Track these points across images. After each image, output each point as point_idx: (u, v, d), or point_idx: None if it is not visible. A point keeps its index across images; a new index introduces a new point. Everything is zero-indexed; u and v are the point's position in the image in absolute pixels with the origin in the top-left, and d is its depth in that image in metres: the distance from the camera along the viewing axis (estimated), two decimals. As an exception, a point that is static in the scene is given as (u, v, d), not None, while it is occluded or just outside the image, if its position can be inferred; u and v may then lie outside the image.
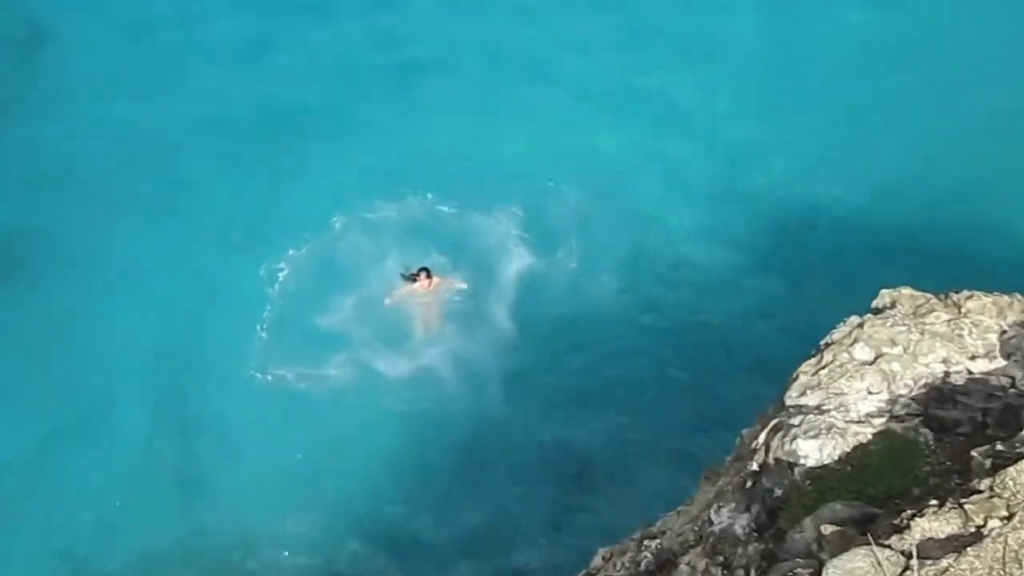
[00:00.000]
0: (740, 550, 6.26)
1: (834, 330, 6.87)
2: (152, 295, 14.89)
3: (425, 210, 15.83)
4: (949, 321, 6.73)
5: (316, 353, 14.17)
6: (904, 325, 6.72)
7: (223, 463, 13.32)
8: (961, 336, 6.61)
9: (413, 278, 14.50)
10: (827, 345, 6.78)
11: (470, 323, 14.71)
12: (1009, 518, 4.68)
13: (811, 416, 6.36)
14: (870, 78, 17.02)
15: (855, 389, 6.45)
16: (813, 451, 6.18)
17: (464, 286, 14.84)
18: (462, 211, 15.79)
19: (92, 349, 14.27)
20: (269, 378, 13.94)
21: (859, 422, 6.27)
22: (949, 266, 13.25)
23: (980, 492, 4.94)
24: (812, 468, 6.11)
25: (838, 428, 6.22)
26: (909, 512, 5.02)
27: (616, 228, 15.72)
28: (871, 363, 6.55)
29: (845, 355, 6.61)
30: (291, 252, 15.26)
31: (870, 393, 6.41)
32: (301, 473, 13.24)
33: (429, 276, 14.51)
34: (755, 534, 6.31)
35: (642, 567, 7.14)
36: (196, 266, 15.19)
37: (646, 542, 7.35)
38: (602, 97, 17.44)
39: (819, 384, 6.53)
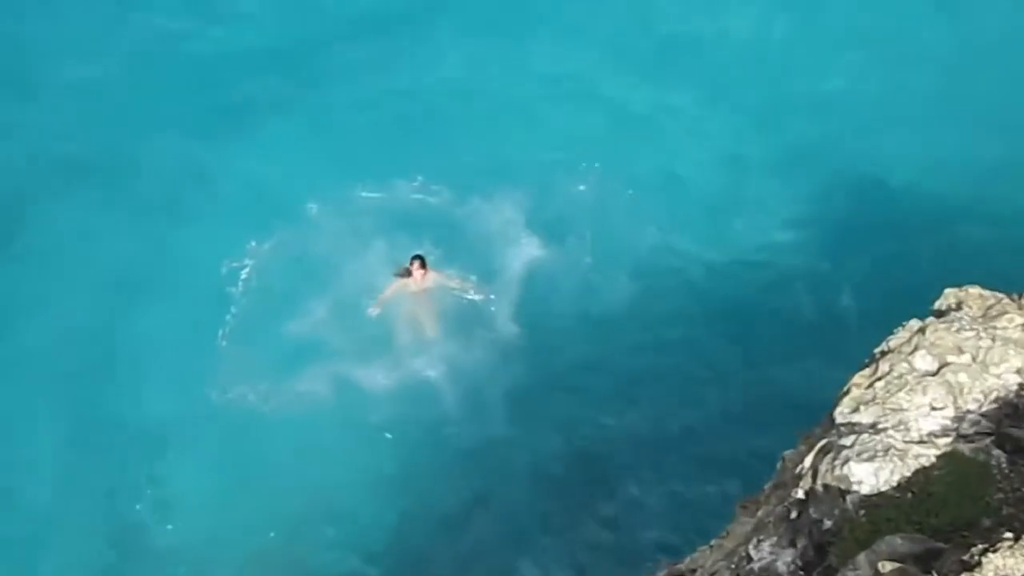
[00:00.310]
0: (784, 591, 6.26)
1: (891, 335, 6.92)
2: (89, 295, 14.92)
3: (415, 194, 15.95)
4: (1024, 325, 6.78)
5: (286, 365, 14.26)
6: (972, 330, 6.76)
7: (169, 508, 13.30)
8: (1039, 343, 6.64)
9: (407, 271, 14.57)
10: (883, 353, 6.83)
11: (468, 326, 14.81)
12: (1094, 553, 4.74)
13: (865, 436, 6.43)
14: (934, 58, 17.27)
15: (916, 404, 6.52)
16: (868, 476, 6.27)
17: (470, 288, 14.96)
18: (458, 196, 15.89)
19: (9, 360, 14.40)
20: (230, 396, 13.98)
21: (921, 442, 6.32)
22: (1024, 262, 13.52)
23: (1061, 523, 4.98)
24: (867, 496, 6.17)
25: (896, 449, 6.27)
26: (980, 546, 5.04)
27: (636, 217, 15.84)
28: (934, 374, 6.60)
29: (904, 365, 6.67)
30: (256, 245, 15.38)
31: (933, 409, 6.48)
32: (266, 516, 13.26)
33: (423, 266, 14.52)
34: (801, 572, 6.31)
35: (670, 611, 7.15)
36: (143, 259, 15.33)
37: (675, 582, 7.35)
38: (627, 59, 17.62)
39: (874, 398, 6.59)
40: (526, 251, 15.52)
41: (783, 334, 14.53)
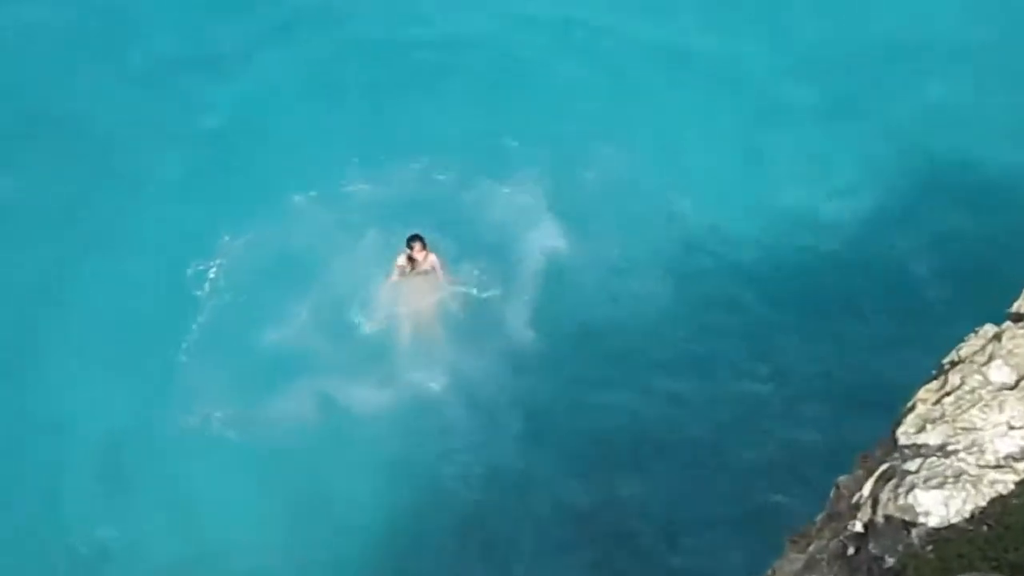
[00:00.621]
0: (841, 639, 6.31)
1: (962, 343, 6.95)
2: (17, 297, 15.06)
3: (417, 181, 16.21)
4: (1117, 330, 6.78)
5: (259, 382, 14.31)
6: (1057, 337, 6.76)
7: (114, 555, 13.21)
8: None
9: (410, 259, 14.73)
10: (953, 364, 6.86)
11: (476, 331, 14.89)
12: None
13: (933, 459, 6.48)
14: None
15: (992, 423, 6.55)
16: (936, 506, 6.31)
17: (475, 280, 15.10)
18: (466, 182, 16.10)
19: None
20: (191, 420, 13.99)
21: (997, 467, 6.34)
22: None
23: None
24: (935, 529, 6.20)
25: (969, 475, 6.30)
26: (1065, 586, 5.05)
27: (671, 207, 16.03)
28: (1012, 388, 6.64)
29: (978, 377, 6.70)
30: (229, 240, 15.54)
31: (1012, 428, 6.51)
32: (230, 565, 13.18)
33: (424, 247, 14.65)
34: (859, 617, 6.31)
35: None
36: (91, 254, 15.50)
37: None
38: (659, 22, 17.91)
39: (943, 416, 6.63)
40: (543, 241, 15.66)
41: (842, 334, 14.63)
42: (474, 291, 15.13)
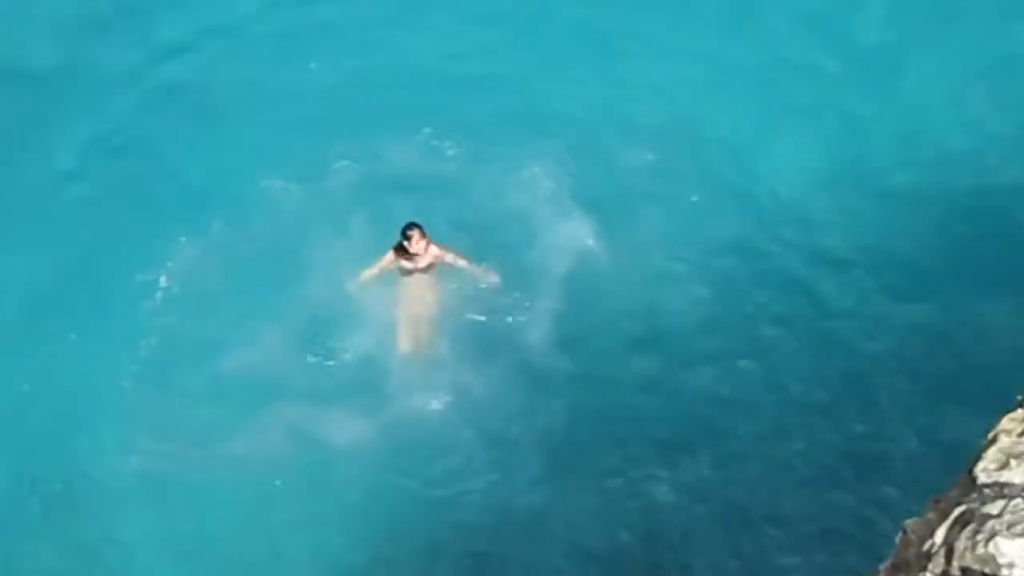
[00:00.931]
0: None
1: None
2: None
3: (417, 161, 16.31)
4: None
5: (220, 412, 14.25)
6: None
7: None
8: None
9: (401, 248, 14.71)
10: None
11: (488, 349, 14.88)
12: None
13: (1018, 501, 6.50)
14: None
15: None
16: (1022, 556, 6.30)
17: (486, 275, 15.12)
18: (475, 157, 16.22)
19: None
20: (139, 459, 13.96)
21: None
22: None
23: None
24: None
25: None
26: None
27: (717, 193, 16.07)
28: None
29: None
30: (187, 241, 15.58)
31: None
32: None
33: (423, 235, 14.67)
34: None
35: None
36: (18, 261, 15.43)
37: None
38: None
39: None
40: (569, 238, 15.69)
41: (915, 353, 14.63)
42: (480, 281, 15.17)
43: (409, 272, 14.97)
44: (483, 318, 15.14)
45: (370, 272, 14.92)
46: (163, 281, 15.27)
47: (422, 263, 14.90)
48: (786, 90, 17.20)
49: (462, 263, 15.02)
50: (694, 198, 16.12)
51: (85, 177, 16.43)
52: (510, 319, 15.12)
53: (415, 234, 14.58)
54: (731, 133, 16.76)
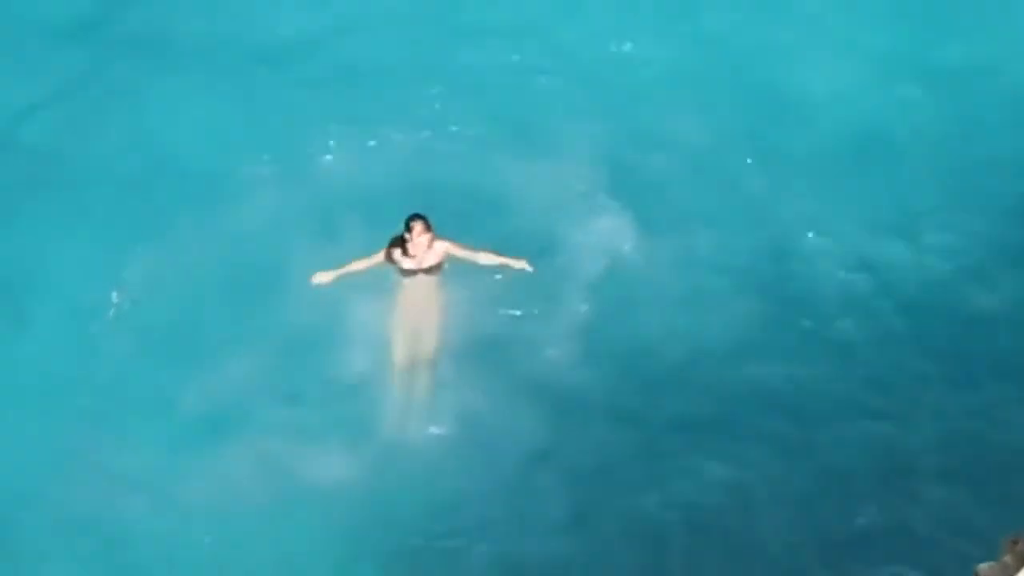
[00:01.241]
0: None
1: None
2: None
3: (421, 152, 15.90)
4: None
5: (183, 450, 13.33)
6: None
7: None
8: None
9: (402, 241, 13.92)
10: None
11: (504, 365, 14.13)
12: None
13: None
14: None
15: None
16: None
17: (514, 264, 14.31)
18: (491, 145, 15.79)
19: None
20: (89, 506, 12.87)
21: None
22: None
23: None
24: None
25: None
26: None
27: (774, 202, 15.57)
28: None
29: None
30: (144, 252, 14.76)
31: None
32: None
33: (428, 229, 13.81)
34: None
35: None
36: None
37: None
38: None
39: None
40: (598, 241, 15.19)
41: (986, 379, 14.20)
42: (503, 269, 14.47)
43: (411, 273, 14.19)
44: (496, 330, 14.39)
45: (358, 265, 14.15)
46: (116, 298, 14.71)
47: (426, 262, 14.12)
48: (851, 103, 16.90)
49: (481, 256, 14.29)
50: (739, 205, 15.75)
51: (39, 180, 15.97)
52: (528, 333, 14.39)
53: (417, 226, 13.72)
54: (779, 139, 16.35)
